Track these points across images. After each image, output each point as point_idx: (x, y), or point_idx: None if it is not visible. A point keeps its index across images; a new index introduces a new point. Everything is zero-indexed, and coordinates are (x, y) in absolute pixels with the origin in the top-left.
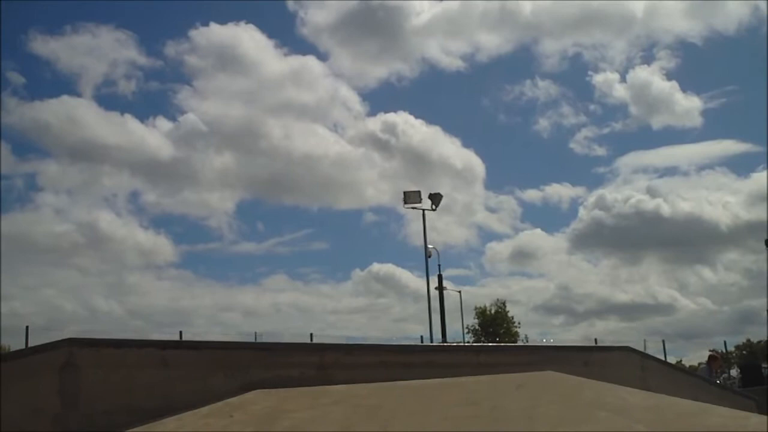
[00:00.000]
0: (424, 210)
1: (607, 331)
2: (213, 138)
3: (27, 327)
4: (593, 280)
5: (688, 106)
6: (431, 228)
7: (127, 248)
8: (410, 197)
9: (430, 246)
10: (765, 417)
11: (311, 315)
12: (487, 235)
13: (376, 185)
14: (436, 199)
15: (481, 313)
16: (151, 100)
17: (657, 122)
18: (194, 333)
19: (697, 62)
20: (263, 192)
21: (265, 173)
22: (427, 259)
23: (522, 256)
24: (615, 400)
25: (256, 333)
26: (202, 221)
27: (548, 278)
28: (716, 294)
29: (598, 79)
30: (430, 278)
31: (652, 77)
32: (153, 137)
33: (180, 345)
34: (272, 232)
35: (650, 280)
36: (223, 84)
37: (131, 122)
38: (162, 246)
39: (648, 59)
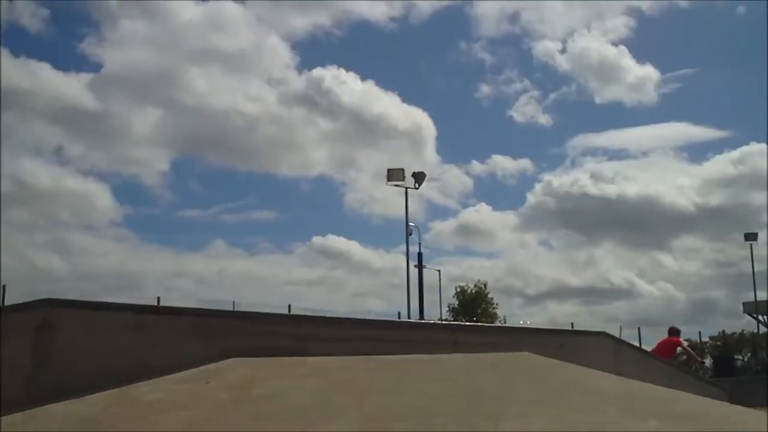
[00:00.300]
0: (407, 188)
1: (564, 315)
2: (135, 89)
3: (4, 286)
4: (545, 262)
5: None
6: (376, 199)
7: (62, 203)
8: (393, 175)
9: (411, 224)
10: (734, 406)
11: (266, 286)
12: (432, 209)
13: (315, 147)
14: (419, 177)
15: (462, 292)
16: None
17: (607, 94)
18: (149, 299)
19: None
20: (198, 151)
21: (198, 131)
22: (408, 237)
23: (469, 233)
24: (588, 383)
25: (234, 302)
26: (135, 179)
27: (498, 257)
28: (676, 282)
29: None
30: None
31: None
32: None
33: (158, 310)
34: (215, 197)
35: (606, 264)
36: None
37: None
38: (101, 203)
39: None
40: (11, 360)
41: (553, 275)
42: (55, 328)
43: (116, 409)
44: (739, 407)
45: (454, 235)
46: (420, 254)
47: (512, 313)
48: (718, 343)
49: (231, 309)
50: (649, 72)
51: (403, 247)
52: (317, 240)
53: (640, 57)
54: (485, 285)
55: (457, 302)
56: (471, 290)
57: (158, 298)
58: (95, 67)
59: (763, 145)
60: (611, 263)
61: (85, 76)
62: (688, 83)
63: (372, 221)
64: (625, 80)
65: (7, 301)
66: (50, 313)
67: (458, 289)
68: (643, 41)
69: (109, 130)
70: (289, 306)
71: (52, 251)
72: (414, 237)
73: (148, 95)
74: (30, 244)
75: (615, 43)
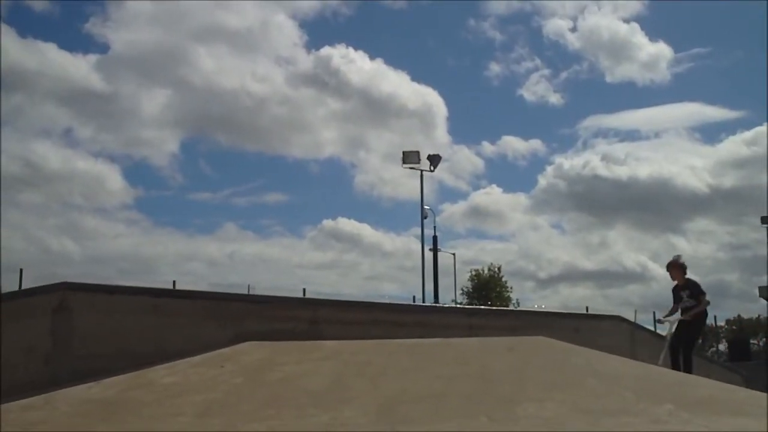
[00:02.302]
0: (422, 171)
1: (577, 298)
2: (143, 69)
3: (21, 270)
4: (557, 244)
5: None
6: (386, 180)
7: (73, 186)
8: (409, 157)
9: (426, 207)
10: (749, 390)
11: (278, 269)
12: (443, 191)
13: (325, 128)
14: (434, 160)
15: (476, 276)
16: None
17: (619, 73)
18: (163, 282)
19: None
20: (207, 132)
21: (207, 112)
22: (423, 220)
23: (480, 215)
24: (604, 367)
25: (249, 285)
26: (145, 161)
27: (509, 240)
28: (690, 265)
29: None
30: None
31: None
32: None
33: (174, 294)
34: (225, 180)
35: (618, 247)
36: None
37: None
38: (111, 185)
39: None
40: (29, 342)
41: (565, 258)
42: (72, 311)
43: (133, 392)
44: (755, 392)
45: (465, 218)
46: (435, 237)
47: (524, 297)
48: (734, 327)
49: (246, 293)
50: (662, 50)
51: (415, 230)
52: (327, 223)
53: (652, 34)
54: (499, 268)
55: (471, 286)
56: (485, 274)
57: (174, 282)
58: (102, 48)
59: None
60: (624, 246)
61: (92, 57)
62: (701, 62)
63: (382, 203)
64: (637, 58)
65: (24, 285)
66: (67, 297)
67: (472, 273)
68: (656, 18)
69: (117, 111)
70: (304, 290)
71: (65, 234)
72: (429, 220)
73: (155, 75)
74: (43, 227)
75: (626, 20)
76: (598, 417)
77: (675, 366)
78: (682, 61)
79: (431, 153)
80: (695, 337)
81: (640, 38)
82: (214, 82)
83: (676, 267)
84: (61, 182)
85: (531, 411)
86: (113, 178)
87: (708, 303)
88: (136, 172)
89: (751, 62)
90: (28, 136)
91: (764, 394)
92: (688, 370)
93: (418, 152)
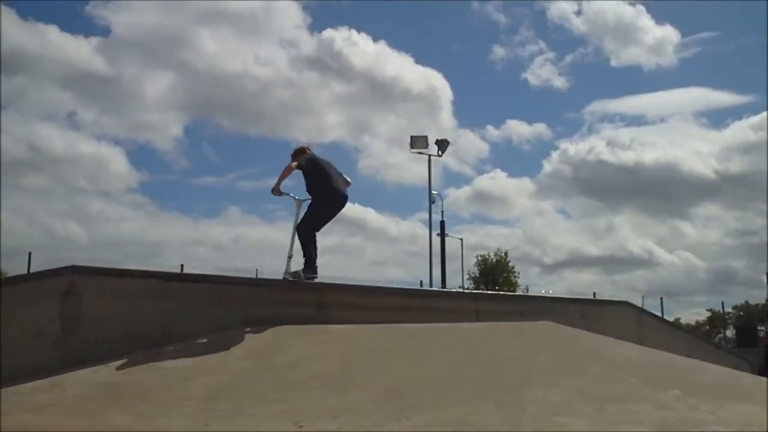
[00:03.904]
0: (430, 156)
1: (583, 284)
2: (145, 52)
3: (30, 253)
4: (563, 230)
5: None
6: (390, 165)
7: (78, 169)
8: (417, 142)
9: (434, 192)
10: (756, 377)
11: (283, 253)
12: (447, 175)
13: (329, 111)
14: (442, 145)
15: (483, 261)
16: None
17: (625, 57)
18: (169, 266)
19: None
20: (210, 115)
21: (210, 95)
22: (431, 205)
23: (484, 200)
24: (611, 353)
25: (256, 270)
26: (149, 144)
27: (514, 225)
28: (696, 251)
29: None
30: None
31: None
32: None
33: (182, 278)
34: (229, 164)
35: (625, 233)
36: None
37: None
38: (116, 169)
39: None
40: (39, 325)
41: (571, 244)
42: (81, 295)
43: (141, 376)
44: (762, 378)
45: (469, 203)
46: (443, 222)
47: (530, 282)
48: (741, 313)
49: (253, 277)
50: (668, 33)
51: (420, 215)
52: None
53: (659, 17)
54: (506, 254)
55: (478, 271)
56: (492, 259)
57: (182, 266)
58: (103, 30)
59: None
60: (630, 231)
61: (94, 40)
62: (709, 47)
63: (386, 188)
64: (643, 42)
65: (32, 269)
66: (76, 280)
67: (479, 258)
68: (663, 1)
69: (120, 94)
70: None
71: (70, 218)
72: (435, 205)
73: (158, 58)
74: (48, 210)
75: (632, 3)
76: (605, 402)
77: None
78: (689, 45)
79: (438, 138)
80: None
81: (646, 21)
82: (217, 66)
83: None
84: (66, 166)
85: (538, 396)
86: (118, 162)
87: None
88: (141, 155)
89: (758, 47)
90: (32, 120)
91: None
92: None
93: (426, 137)
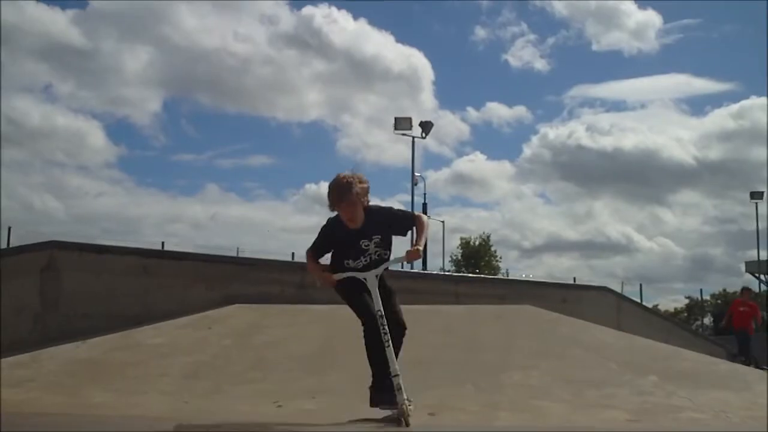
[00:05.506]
0: (414, 137)
1: (562, 269)
2: (123, 26)
3: (9, 228)
4: (542, 214)
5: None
6: (369, 145)
7: (56, 143)
8: (401, 123)
9: (417, 174)
10: (733, 364)
11: (262, 232)
12: (427, 157)
13: (309, 90)
14: (426, 127)
15: (466, 244)
16: None
17: (606, 41)
18: (149, 243)
19: None
20: (189, 92)
21: (190, 71)
22: (414, 187)
23: (464, 182)
24: (590, 337)
25: (238, 248)
26: (127, 119)
27: (494, 209)
28: (675, 238)
29: None
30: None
31: None
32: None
33: (162, 255)
34: (208, 141)
35: (604, 218)
36: None
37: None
38: (94, 143)
39: None
40: (18, 300)
41: (550, 228)
42: (60, 271)
43: (119, 353)
44: (738, 365)
45: (448, 185)
46: (425, 204)
47: (509, 266)
48: (719, 301)
49: (234, 255)
50: (651, 18)
51: (399, 196)
52: (310, 187)
53: (642, 1)
54: (488, 237)
55: (460, 253)
56: (475, 242)
57: (162, 243)
58: (79, 3)
59: (764, 100)
60: (609, 217)
61: (71, 12)
62: (691, 33)
63: (365, 168)
64: (625, 26)
65: (12, 243)
66: (56, 255)
67: (462, 241)
68: None
69: (97, 67)
70: (293, 254)
71: (48, 192)
72: (418, 187)
73: (136, 32)
74: (26, 184)
75: None
76: (583, 387)
77: None
78: (671, 31)
79: (421, 120)
80: None
81: (629, 5)
82: (196, 42)
83: None
84: (43, 139)
85: (516, 379)
86: (95, 135)
87: None
88: (118, 130)
89: (740, 35)
90: (8, 92)
91: (747, 368)
92: None
93: (410, 119)
